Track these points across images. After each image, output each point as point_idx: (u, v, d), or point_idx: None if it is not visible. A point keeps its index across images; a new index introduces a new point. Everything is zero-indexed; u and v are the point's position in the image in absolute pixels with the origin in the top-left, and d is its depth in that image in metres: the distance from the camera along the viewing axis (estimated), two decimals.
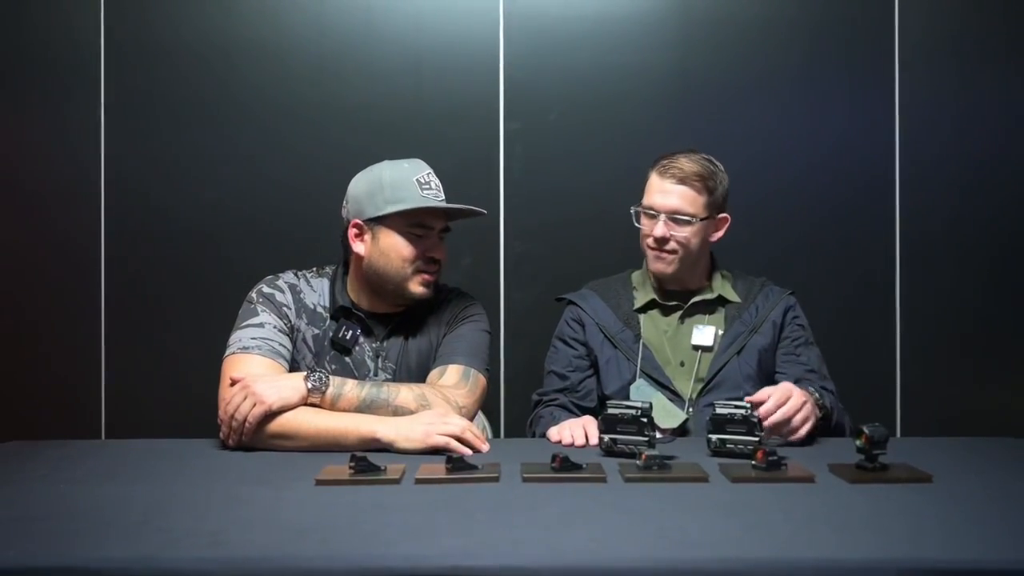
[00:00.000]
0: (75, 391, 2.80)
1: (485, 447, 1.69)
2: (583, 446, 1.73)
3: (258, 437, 1.70)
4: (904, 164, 2.79)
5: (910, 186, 2.79)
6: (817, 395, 1.83)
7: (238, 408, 1.68)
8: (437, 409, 1.73)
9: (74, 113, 2.79)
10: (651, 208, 2.03)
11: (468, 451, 1.64)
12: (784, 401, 1.68)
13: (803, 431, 1.70)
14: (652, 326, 2.07)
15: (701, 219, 2.01)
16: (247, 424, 1.68)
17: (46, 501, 1.32)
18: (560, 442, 1.77)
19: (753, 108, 2.79)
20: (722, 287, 2.09)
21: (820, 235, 2.79)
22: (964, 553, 1.05)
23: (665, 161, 2.04)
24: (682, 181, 2.01)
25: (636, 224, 2.07)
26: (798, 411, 1.69)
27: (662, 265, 2.04)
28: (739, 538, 1.11)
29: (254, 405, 1.68)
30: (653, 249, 2.04)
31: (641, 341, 2.04)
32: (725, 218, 2.09)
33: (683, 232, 2.01)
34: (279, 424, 1.69)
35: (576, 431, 1.78)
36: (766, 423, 1.64)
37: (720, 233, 2.09)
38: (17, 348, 2.80)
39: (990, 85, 2.79)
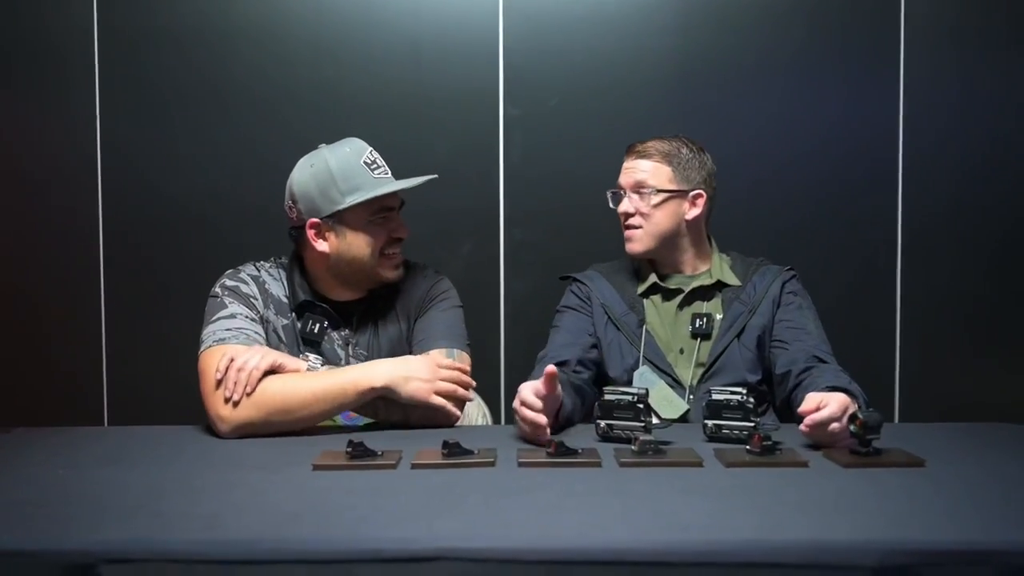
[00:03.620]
0: (77, 378, 2.81)
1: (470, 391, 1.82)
2: (541, 427, 1.61)
3: (260, 406, 1.68)
4: (907, 150, 2.78)
5: (913, 172, 2.77)
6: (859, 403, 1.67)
7: (245, 361, 1.69)
8: (422, 362, 1.77)
9: (69, 98, 2.78)
10: (618, 187, 2.07)
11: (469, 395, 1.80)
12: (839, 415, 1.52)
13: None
14: (655, 311, 2.07)
15: (662, 191, 2.02)
16: (254, 372, 1.67)
17: (44, 486, 1.33)
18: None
19: (754, 93, 2.78)
20: (720, 271, 2.08)
21: (821, 220, 2.78)
22: (953, 535, 1.06)
23: (633, 143, 2.09)
24: (642, 156, 2.04)
25: (611, 207, 2.10)
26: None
27: (630, 244, 2.06)
28: (731, 521, 1.12)
29: (261, 357, 1.70)
30: (624, 230, 2.07)
31: (645, 327, 2.05)
32: (700, 195, 2.06)
33: (644, 203, 2.03)
34: (280, 385, 1.69)
35: (525, 416, 1.62)
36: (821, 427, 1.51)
37: (697, 211, 2.06)
38: (18, 336, 2.81)
39: (995, 71, 2.77)
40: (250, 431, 1.70)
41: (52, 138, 2.79)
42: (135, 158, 2.79)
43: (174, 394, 2.73)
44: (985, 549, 0.99)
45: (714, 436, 1.62)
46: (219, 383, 1.70)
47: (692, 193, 2.05)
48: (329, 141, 1.98)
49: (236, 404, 1.68)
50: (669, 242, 2.06)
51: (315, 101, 2.78)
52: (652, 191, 2.02)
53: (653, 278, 2.08)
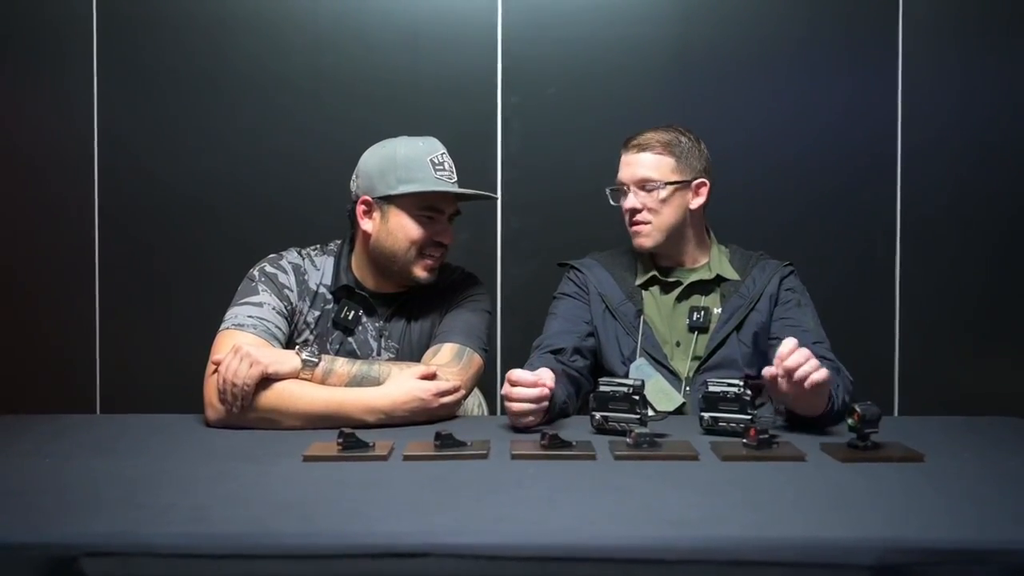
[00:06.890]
0: (70, 366, 2.80)
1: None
2: (530, 421, 1.65)
3: (254, 409, 1.67)
4: (906, 142, 2.76)
5: (912, 164, 2.75)
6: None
7: (235, 372, 1.66)
8: (407, 375, 1.74)
9: (67, 84, 2.77)
10: (620, 183, 2.03)
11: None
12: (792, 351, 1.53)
13: (818, 376, 1.53)
14: (653, 303, 2.05)
15: (668, 183, 1.99)
16: (245, 386, 1.65)
17: (31, 476, 1.32)
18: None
19: (754, 83, 2.76)
20: (720, 264, 2.06)
21: (820, 212, 2.76)
22: (953, 532, 1.04)
23: (629, 136, 2.05)
24: (643, 150, 2.00)
25: (612, 204, 2.06)
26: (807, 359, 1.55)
27: (640, 239, 2.02)
28: (726, 516, 1.10)
29: (251, 366, 1.67)
30: (631, 225, 2.03)
31: (642, 318, 2.02)
32: (703, 183, 2.03)
33: (651, 198, 1.99)
34: (276, 394, 1.68)
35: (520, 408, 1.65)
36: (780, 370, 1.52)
37: (701, 199, 2.03)
38: (12, 321, 2.79)
39: (994, 63, 2.75)
40: (236, 427, 1.69)
41: (49, 124, 2.78)
42: (131, 145, 2.78)
43: (167, 382, 2.72)
44: (985, 547, 0.97)
45: (710, 429, 1.60)
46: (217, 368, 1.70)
47: (696, 182, 2.02)
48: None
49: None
50: (676, 234, 2.03)
51: (312, 89, 2.76)
52: (660, 185, 1.98)
53: (652, 270, 2.06)
